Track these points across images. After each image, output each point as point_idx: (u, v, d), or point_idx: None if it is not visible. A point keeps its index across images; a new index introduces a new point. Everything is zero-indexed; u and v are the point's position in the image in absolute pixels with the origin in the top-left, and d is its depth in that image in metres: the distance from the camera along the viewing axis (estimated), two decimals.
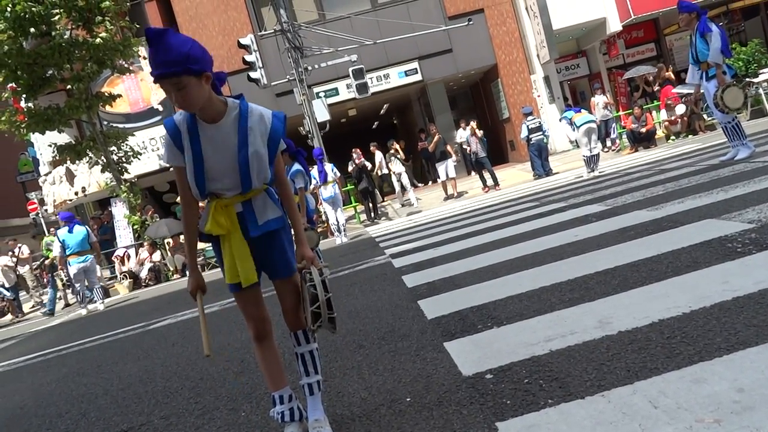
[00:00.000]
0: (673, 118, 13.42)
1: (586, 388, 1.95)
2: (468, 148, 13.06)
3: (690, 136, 12.89)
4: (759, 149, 6.66)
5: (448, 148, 13.17)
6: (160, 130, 16.49)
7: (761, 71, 13.15)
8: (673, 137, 13.23)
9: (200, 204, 2.23)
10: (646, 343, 2.18)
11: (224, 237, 2.09)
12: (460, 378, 2.34)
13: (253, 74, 12.30)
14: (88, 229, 9.80)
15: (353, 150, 12.94)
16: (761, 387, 1.66)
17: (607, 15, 15.76)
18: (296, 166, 5.97)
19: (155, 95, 16.56)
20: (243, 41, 12.41)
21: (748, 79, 11.95)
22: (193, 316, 5.95)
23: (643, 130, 12.95)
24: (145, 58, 16.03)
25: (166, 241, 13.05)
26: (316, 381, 2.21)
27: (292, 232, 2.21)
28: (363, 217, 13.21)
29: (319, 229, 11.88)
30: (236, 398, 2.89)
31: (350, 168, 13.01)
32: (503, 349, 2.51)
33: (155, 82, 1.87)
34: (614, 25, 15.85)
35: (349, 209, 13.66)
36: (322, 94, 15.12)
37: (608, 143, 14.39)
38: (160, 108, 16.57)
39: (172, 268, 12.62)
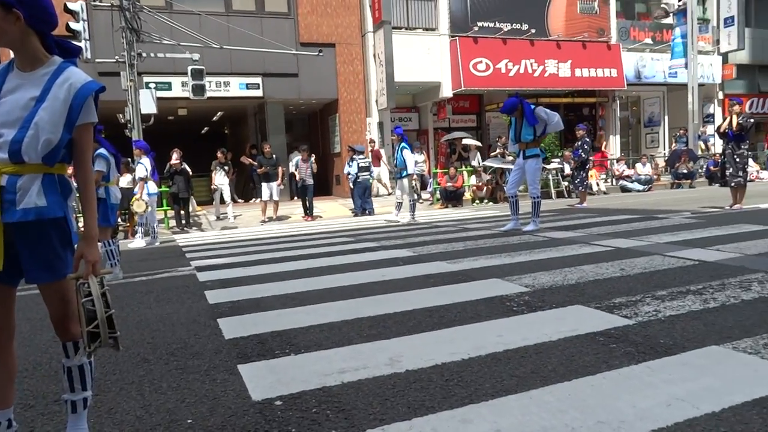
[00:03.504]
0: (480, 183, 15.06)
1: (368, 420, 2.05)
2: (297, 173, 13.09)
3: (491, 203, 14.55)
4: (542, 225, 7.78)
5: (279, 170, 13.08)
6: None
7: (553, 160, 15.47)
8: (477, 201, 14.81)
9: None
10: (427, 383, 2.37)
11: None
12: (248, 402, 2.29)
13: (75, 44, 11.00)
14: None
15: (173, 150, 12.16)
16: (515, 430, 1.89)
17: (443, 81, 17.32)
18: (99, 149, 5.46)
19: None
20: (71, 6, 11.08)
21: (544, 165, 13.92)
22: None
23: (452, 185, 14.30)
24: None
25: None
26: (83, 398, 1.96)
27: (75, 231, 1.93)
28: (172, 223, 12.39)
29: (120, 228, 10.86)
30: None
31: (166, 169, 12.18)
32: (297, 377, 2.52)
33: None
34: (447, 91, 17.46)
35: (159, 212, 12.71)
36: (152, 85, 14.04)
37: (423, 195, 15.57)
38: None
39: None
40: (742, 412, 1.95)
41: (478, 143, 16.95)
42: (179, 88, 14.78)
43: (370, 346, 2.91)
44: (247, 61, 15.18)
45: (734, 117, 8.87)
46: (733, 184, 8.97)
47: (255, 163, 13.52)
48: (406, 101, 18.93)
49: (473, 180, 15.27)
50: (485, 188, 15.01)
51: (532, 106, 7.73)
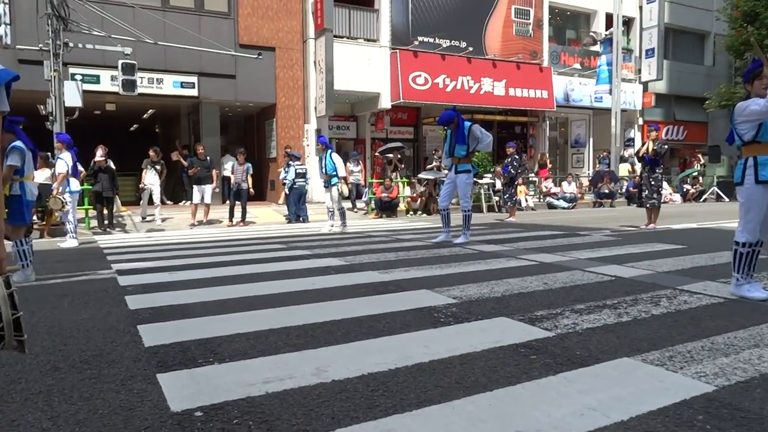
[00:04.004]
0: (414, 195, 15.28)
1: None
2: (232, 177, 12.77)
3: (424, 215, 14.78)
4: (472, 238, 7.98)
5: (213, 173, 12.72)
6: None
7: (485, 175, 15.94)
8: (411, 212, 15.01)
9: None
10: (353, 393, 2.37)
11: None
12: (167, 413, 2.20)
13: None
14: None
15: (98, 147, 11.58)
16: None
17: (382, 92, 17.51)
18: (15, 142, 5.15)
19: None
20: None
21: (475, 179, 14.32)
22: None
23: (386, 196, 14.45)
24: None
25: None
26: None
27: None
28: (94, 223, 11.78)
29: (35, 227, 10.21)
30: None
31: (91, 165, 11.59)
32: (220, 387, 2.46)
33: None
34: (385, 103, 17.66)
35: (80, 211, 12.05)
36: (78, 77, 13.37)
37: (358, 204, 15.62)
38: None
39: None
40: (648, 421, 2.07)
41: (399, 156, 17.08)
42: (108, 82, 14.16)
43: (297, 356, 2.88)
44: (182, 58, 14.75)
45: (650, 143, 9.48)
46: (648, 206, 9.57)
47: (186, 163, 13.10)
48: (344, 110, 18.97)
49: (408, 191, 15.47)
50: (419, 200, 15.24)
51: (468, 123, 7.94)
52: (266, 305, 4.03)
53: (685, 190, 20.22)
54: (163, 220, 12.62)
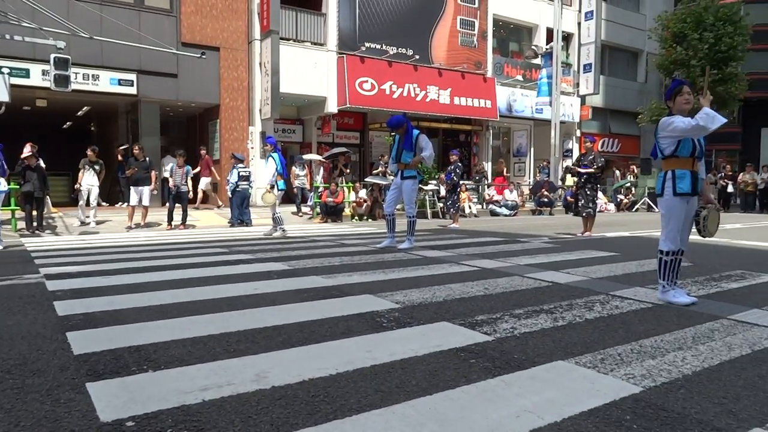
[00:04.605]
0: (360, 200, 15.29)
1: None
2: (171, 180, 12.35)
3: (370, 220, 14.82)
4: (416, 244, 8.06)
5: (152, 174, 12.28)
6: None
7: (430, 182, 16.15)
8: (356, 217, 15.01)
9: None
10: (293, 399, 2.34)
11: None
12: (95, 424, 2.10)
13: None
14: None
15: (27, 144, 10.96)
16: None
17: (329, 96, 17.46)
18: None
19: None
20: None
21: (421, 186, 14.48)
22: None
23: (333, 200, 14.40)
24: None
25: None
26: None
27: None
28: (21, 224, 11.13)
29: None
30: None
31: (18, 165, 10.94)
32: (154, 395, 2.37)
33: None
34: (332, 107, 17.62)
35: (6, 212, 11.37)
36: (6, 71, 12.63)
37: (303, 209, 15.48)
38: None
39: None
40: (580, 422, 2.15)
41: (322, 158, 17.04)
42: (39, 76, 13.46)
43: (237, 362, 2.81)
44: (121, 55, 14.21)
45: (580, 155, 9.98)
46: (584, 214, 9.97)
47: (121, 158, 12.57)
48: (290, 113, 18.79)
49: (353, 196, 15.47)
50: (365, 205, 15.27)
51: (416, 132, 8.01)
52: (205, 310, 3.93)
53: (619, 200, 21.17)
54: (98, 222, 12.08)
